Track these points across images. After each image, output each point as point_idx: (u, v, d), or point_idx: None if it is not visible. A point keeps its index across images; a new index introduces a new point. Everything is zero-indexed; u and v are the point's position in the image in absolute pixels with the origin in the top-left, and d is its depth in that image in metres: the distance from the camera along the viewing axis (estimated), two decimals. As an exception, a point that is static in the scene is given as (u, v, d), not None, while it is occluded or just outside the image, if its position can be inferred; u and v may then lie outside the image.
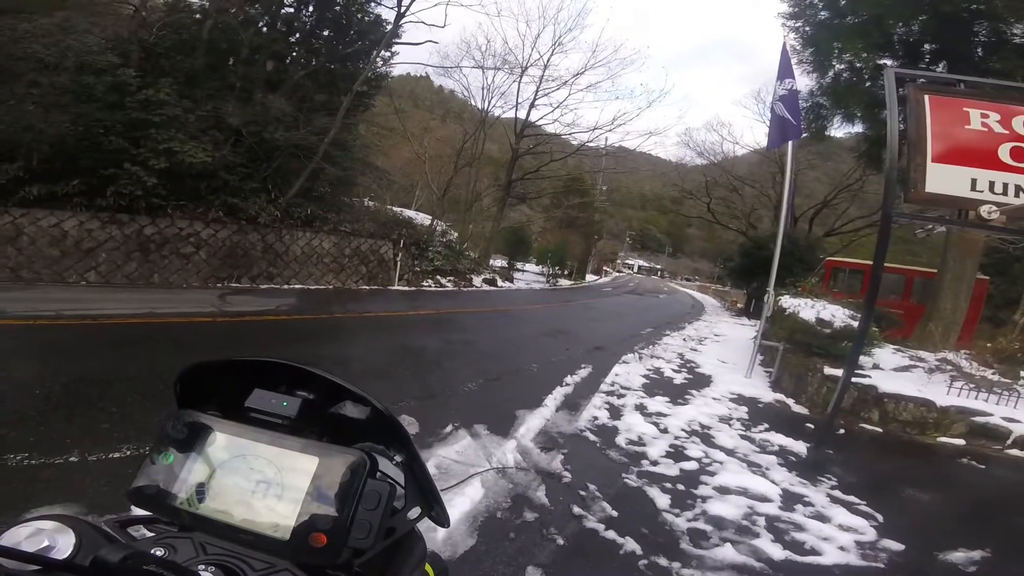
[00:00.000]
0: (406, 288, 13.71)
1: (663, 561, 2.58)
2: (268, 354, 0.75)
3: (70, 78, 8.20)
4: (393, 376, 5.32)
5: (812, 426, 5.37)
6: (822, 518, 3.27)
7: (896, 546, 3.01)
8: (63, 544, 0.50)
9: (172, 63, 10.08)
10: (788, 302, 7.59)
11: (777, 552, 2.79)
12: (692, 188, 28.53)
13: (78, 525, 0.52)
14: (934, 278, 9.24)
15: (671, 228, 68.98)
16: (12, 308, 6.03)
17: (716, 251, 42.29)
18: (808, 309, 6.96)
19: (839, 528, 3.16)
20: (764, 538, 2.93)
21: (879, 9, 8.87)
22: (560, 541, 2.64)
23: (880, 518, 3.34)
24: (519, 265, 25.32)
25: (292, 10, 12.81)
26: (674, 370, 7.37)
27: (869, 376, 5.91)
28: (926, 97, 3.82)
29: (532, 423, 4.39)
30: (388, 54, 14.12)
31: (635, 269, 70.36)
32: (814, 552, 2.87)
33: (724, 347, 10.44)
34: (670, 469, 3.77)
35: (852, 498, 3.60)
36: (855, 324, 6.09)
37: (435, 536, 2.36)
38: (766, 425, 5.16)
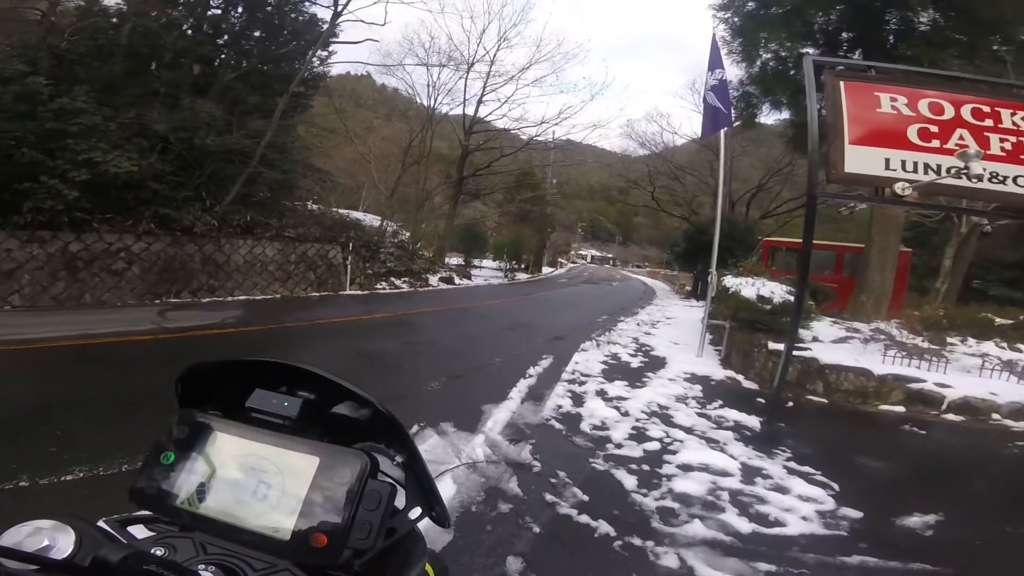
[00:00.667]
0: (359, 292, 13.41)
1: (636, 541, 2.66)
2: None
3: (-29, 88, 7.51)
4: (352, 381, 5.21)
5: (763, 400, 5.59)
6: (782, 489, 3.41)
7: (855, 513, 3.14)
8: (63, 544, 0.49)
9: (88, 70, 9.39)
10: (731, 281, 7.97)
11: (744, 525, 2.90)
12: (637, 178, 29.39)
13: (78, 525, 0.51)
14: (862, 253, 9.95)
15: (620, 218, 70.69)
16: (-80, 342, 5.51)
17: (663, 238, 43.72)
18: (749, 287, 7.33)
19: (799, 499, 3.29)
20: (730, 512, 3.04)
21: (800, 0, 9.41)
22: (536, 529, 2.70)
23: (836, 487, 3.48)
24: (476, 261, 25.25)
25: (219, 11, 12.16)
26: (630, 354, 7.60)
27: (810, 349, 6.30)
28: (841, 83, 4.10)
29: (499, 416, 4.43)
30: (325, 54, 13.72)
31: (588, 259, 71.67)
32: (779, 523, 2.98)
33: (676, 329, 10.85)
34: (634, 451, 3.90)
35: (807, 468, 3.76)
36: (793, 299, 6.48)
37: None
38: (720, 402, 5.41)
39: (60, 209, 8.18)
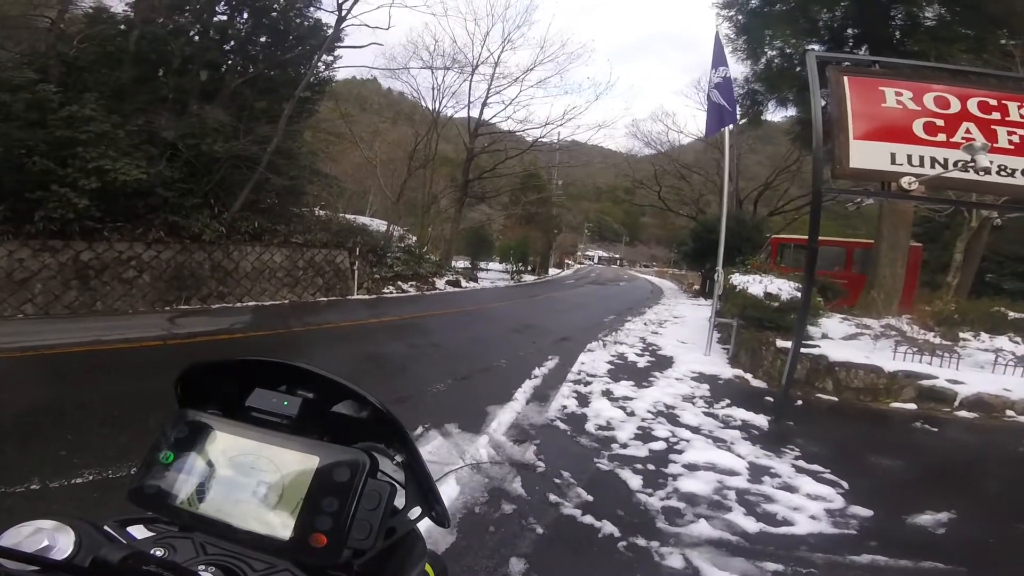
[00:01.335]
0: (366, 296, 13.46)
1: (641, 541, 2.65)
2: None
3: (-17, 96, 7.65)
4: (358, 384, 5.23)
5: (771, 399, 5.53)
6: (790, 488, 3.37)
7: (864, 512, 3.10)
8: (63, 544, 0.49)
9: (97, 77, 9.51)
10: (738, 279, 7.91)
11: (751, 525, 2.88)
12: (643, 178, 29.27)
13: (78, 525, 0.51)
14: (872, 249, 9.84)
15: (626, 218, 70.42)
16: (-62, 349, 5.61)
17: (670, 237, 43.49)
18: (756, 285, 7.28)
19: (807, 497, 3.26)
20: (736, 511, 3.02)
21: (804, -5, 9.35)
22: (540, 530, 2.69)
23: (845, 485, 3.44)
24: (482, 264, 25.24)
25: (225, 17, 12.29)
26: (637, 354, 7.56)
27: (819, 346, 6.23)
28: (845, 79, 4.07)
29: (503, 417, 4.42)
30: (331, 58, 13.79)
31: (595, 260, 71.45)
32: (786, 522, 2.95)
33: (683, 328, 10.79)
34: (640, 450, 3.88)
35: (816, 467, 3.73)
36: (801, 296, 6.42)
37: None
38: (728, 401, 5.36)
39: (71, 218, 8.28)
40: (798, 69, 9.96)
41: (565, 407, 4.83)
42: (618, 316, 12.81)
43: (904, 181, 3.79)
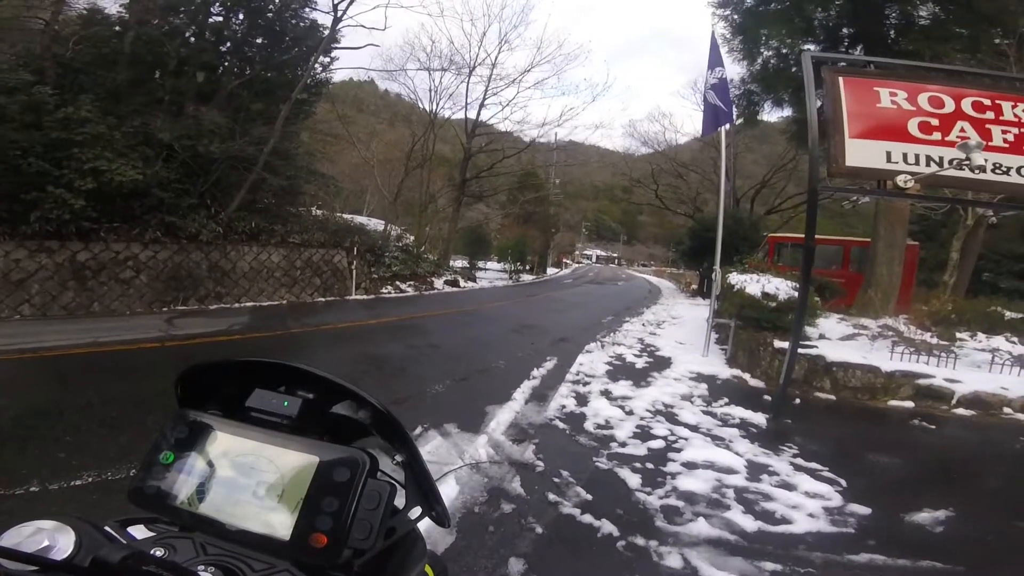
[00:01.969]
0: (364, 297, 13.45)
1: (640, 540, 2.65)
2: None
3: (-23, 99, 7.62)
4: (357, 384, 5.23)
5: (769, 398, 5.54)
6: (788, 486, 3.38)
7: (863, 510, 3.11)
8: (63, 544, 0.49)
9: (92, 79, 9.49)
10: (735, 278, 7.92)
11: (749, 523, 2.88)
12: (640, 177, 29.28)
13: (78, 525, 0.51)
14: (869, 247, 9.87)
15: (624, 217, 70.53)
16: (-67, 351, 5.59)
17: (668, 236, 43.51)
18: (754, 284, 7.29)
19: (806, 495, 3.27)
20: (735, 510, 3.02)
21: (799, -6, 9.38)
22: (539, 530, 2.69)
23: (844, 483, 3.45)
24: (480, 264, 25.20)
25: (221, 19, 12.26)
26: (635, 355, 7.57)
27: (816, 347, 6.25)
28: (840, 79, 4.09)
29: (502, 417, 4.43)
30: (327, 60, 13.79)
31: (593, 259, 71.51)
32: (785, 521, 2.96)
33: (681, 328, 10.81)
34: (638, 449, 3.89)
35: (815, 465, 3.74)
36: (798, 295, 6.43)
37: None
38: (726, 400, 5.38)
39: (67, 219, 8.26)
40: (794, 69, 9.98)
41: (564, 407, 4.83)
42: (616, 316, 12.82)
43: (900, 179, 3.81)
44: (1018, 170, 3.79)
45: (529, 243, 28.94)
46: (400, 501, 0.71)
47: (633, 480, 3.36)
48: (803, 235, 4.75)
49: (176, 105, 10.72)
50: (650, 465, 3.61)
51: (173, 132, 9.86)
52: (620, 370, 6.53)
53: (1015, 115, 3.84)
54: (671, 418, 4.68)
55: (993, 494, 3.79)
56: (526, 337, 8.84)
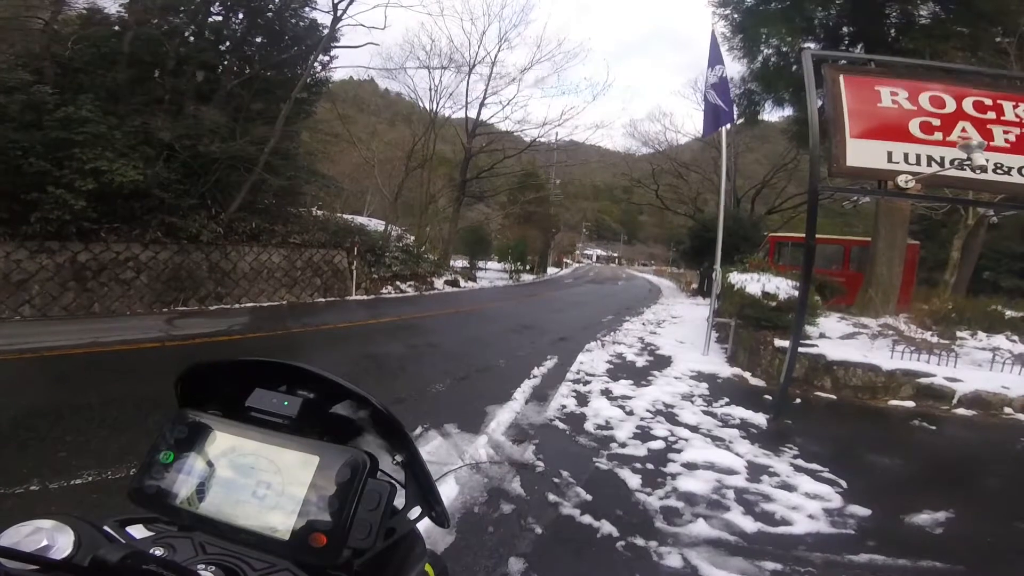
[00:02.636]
0: (365, 297, 13.45)
1: (640, 541, 2.65)
2: None
3: (-23, 99, 7.63)
4: (357, 384, 5.23)
5: (769, 398, 5.53)
6: (788, 487, 3.37)
7: (863, 511, 3.10)
8: (62, 543, 0.49)
9: (92, 78, 9.49)
10: (736, 278, 7.92)
11: (749, 524, 2.88)
12: (640, 177, 29.32)
13: (77, 524, 0.51)
14: (869, 247, 9.86)
15: (624, 216, 70.55)
16: (-67, 352, 5.60)
17: (668, 235, 43.59)
18: (754, 283, 7.28)
19: (806, 496, 3.26)
20: (735, 511, 3.02)
21: (799, -7, 9.37)
22: (538, 530, 2.69)
23: (844, 484, 3.44)
24: (481, 264, 25.21)
25: (220, 18, 12.26)
26: (636, 354, 7.57)
27: (817, 345, 6.25)
28: (841, 77, 4.08)
29: (502, 417, 4.43)
30: (327, 59, 13.79)
31: (594, 259, 71.50)
32: (785, 522, 2.95)
33: (681, 327, 10.81)
34: (638, 450, 3.89)
35: (815, 466, 3.73)
36: (798, 295, 6.42)
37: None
38: (726, 399, 5.37)
39: (68, 219, 8.26)
40: (794, 68, 9.97)
41: (564, 406, 4.83)
42: (616, 316, 12.82)
43: (901, 179, 3.80)
44: (1019, 170, 3.78)
45: (529, 243, 28.95)
46: (400, 501, 0.71)
47: (633, 481, 3.35)
48: (803, 235, 4.75)
49: (176, 105, 10.72)
50: (650, 466, 3.61)
51: (173, 131, 9.87)
52: (620, 369, 6.53)
53: (1016, 115, 3.83)
54: (671, 418, 4.67)
55: (993, 495, 3.78)
56: (526, 336, 8.84)
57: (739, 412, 4.95)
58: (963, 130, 3.86)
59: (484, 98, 22.44)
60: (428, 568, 0.76)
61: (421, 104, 23.66)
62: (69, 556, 0.48)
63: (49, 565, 0.46)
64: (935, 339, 6.40)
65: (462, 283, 19.32)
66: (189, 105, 10.75)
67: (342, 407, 0.74)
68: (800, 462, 3.83)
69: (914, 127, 3.92)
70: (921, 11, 9.33)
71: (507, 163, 24.58)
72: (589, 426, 4.35)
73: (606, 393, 5.33)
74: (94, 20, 10.44)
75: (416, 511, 0.74)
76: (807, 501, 3.21)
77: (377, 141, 23.91)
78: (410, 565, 0.72)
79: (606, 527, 2.75)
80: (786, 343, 5.98)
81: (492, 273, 25.61)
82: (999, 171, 3.82)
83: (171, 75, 10.84)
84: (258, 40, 12.82)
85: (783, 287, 7.07)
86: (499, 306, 14.05)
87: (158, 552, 0.59)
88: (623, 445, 3.97)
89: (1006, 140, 3.83)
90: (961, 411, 5.39)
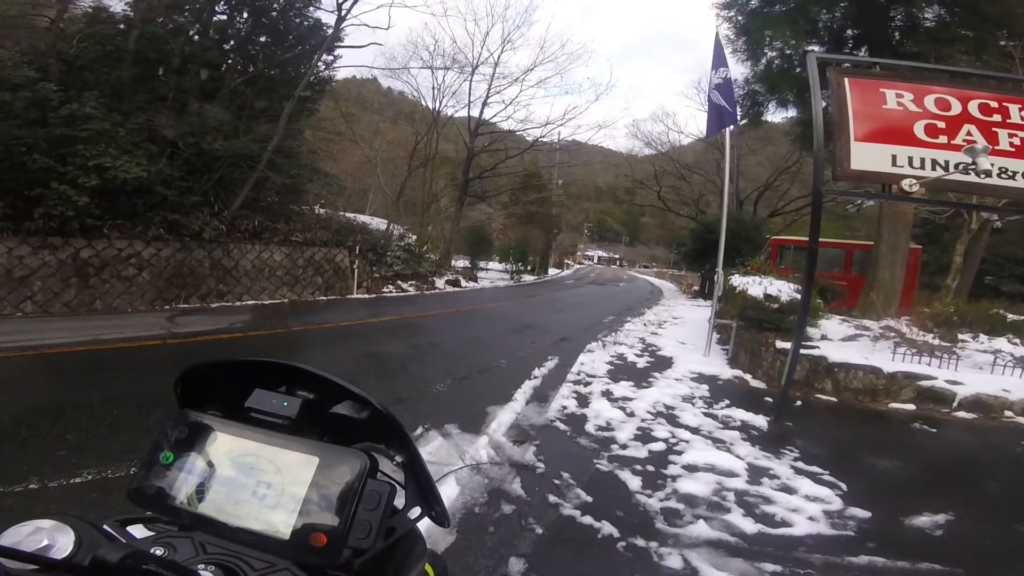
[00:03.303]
0: (366, 296, 13.46)
1: (640, 542, 2.65)
2: None
3: (-17, 95, 7.65)
4: (357, 384, 5.24)
5: (770, 399, 5.51)
6: (788, 490, 3.37)
7: (863, 513, 3.10)
8: (63, 543, 0.49)
9: (97, 76, 9.51)
10: (738, 280, 7.92)
11: (749, 526, 2.88)
12: (643, 178, 29.32)
13: (78, 524, 0.51)
14: (872, 250, 9.84)
15: (626, 218, 70.54)
16: (-64, 347, 5.61)
17: (670, 237, 43.58)
18: (756, 286, 7.28)
19: (806, 499, 3.25)
20: (735, 513, 3.02)
21: (804, -4, 9.36)
22: (539, 531, 2.69)
23: (844, 487, 3.44)
24: (482, 264, 25.22)
25: (225, 17, 12.29)
26: (637, 355, 7.56)
27: (818, 347, 6.23)
28: (846, 80, 4.07)
29: (503, 418, 4.42)
30: (331, 58, 13.79)
31: (595, 260, 71.47)
32: (785, 524, 2.95)
33: (682, 329, 10.80)
34: (639, 451, 3.88)
35: (815, 468, 3.72)
36: (800, 298, 6.42)
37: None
38: (727, 401, 5.36)
39: (70, 215, 8.28)
40: (798, 70, 9.97)
41: (565, 407, 4.83)
42: (617, 317, 12.81)
43: (905, 183, 3.79)
44: (1023, 174, 3.78)
45: (531, 244, 28.95)
46: (400, 501, 0.71)
47: (634, 482, 3.35)
48: (806, 238, 4.75)
49: (180, 102, 10.74)
50: (651, 467, 3.60)
51: (177, 129, 9.88)
52: (621, 370, 6.52)
53: (1022, 118, 3.82)
54: (672, 420, 4.67)
55: (993, 498, 3.77)
56: (527, 337, 8.84)
57: (740, 414, 4.94)
58: (968, 133, 3.85)
59: (487, 98, 22.51)
60: (428, 568, 0.76)
61: (424, 103, 23.74)
62: (69, 556, 0.48)
63: (49, 565, 0.46)
64: (936, 342, 6.38)
65: (463, 283, 19.33)
66: (193, 103, 10.77)
67: (342, 407, 0.74)
68: (800, 464, 3.82)
69: (919, 130, 3.91)
70: (926, 14, 9.31)
71: (509, 163, 24.60)
72: (590, 427, 4.34)
73: (607, 394, 5.32)
74: (100, 18, 10.48)
75: (416, 511, 0.74)
76: (807, 503, 3.21)
77: (380, 140, 23.93)
78: (410, 565, 0.72)
79: (607, 528, 2.75)
80: (787, 345, 5.97)
81: (493, 273, 25.62)
82: (1004, 175, 3.81)
83: (175, 73, 10.86)
84: (262, 39, 12.83)
85: (785, 290, 7.07)
86: (500, 306, 14.04)
87: (158, 552, 0.59)
88: (624, 446, 3.97)
89: (1011, 144, 3.81)
90: (961, 414, 5.37)
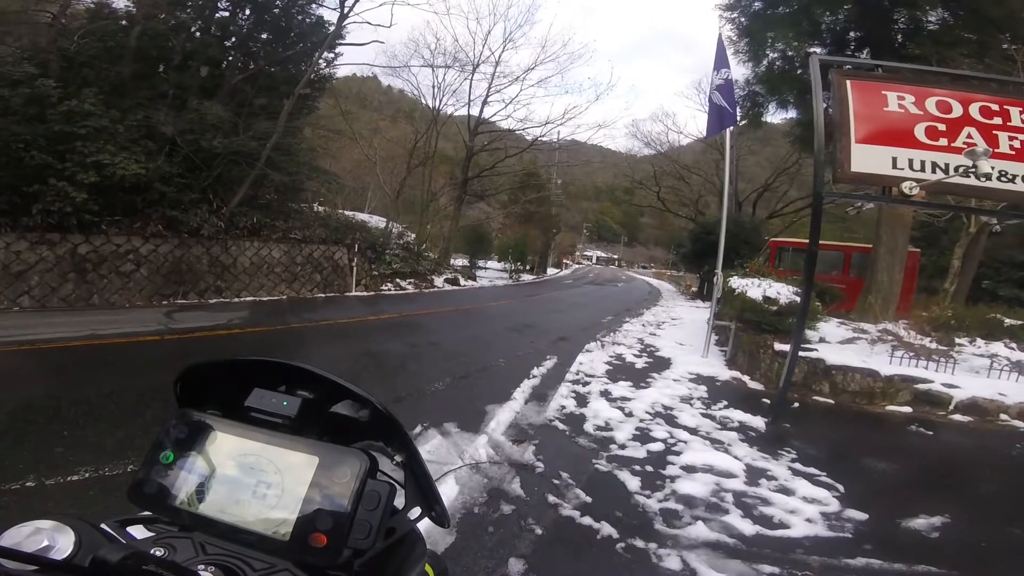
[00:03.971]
0: (364, 293, 13.44)
1: (639, 543, 2.65)
2: None
3: (-18, 91, 7.62)
4: (357, 383, 5.23)
5: (768, 401, 5.54)
6: (786, 491, 3.38)
7: (860, 515, 3.11)
8: (63, 544, 0.49)
9: (97, 72, 9.48)
10: (737, 282, 7.93)
11: (747, 527, 2.88)
12: (642, 178, 29.35)
13: (77, 525, 0.51)
14: (870, 253, 9.86)
15: (625, 218, 70.58)
16: (-67, 342, 5.59)
17: (669, 238, 43.58)
18: (755, 288, 7.29)
19: (803, 500, 3.27)
20: (734, 514, 3.02)
21: (808, -2, 9.35)
22: (538, 531, 2.69)
23: (841, 488, 3.45)
24: (481, 263, 25.23)
25: (227, 14, 12.25)
26: (635, 355, 7.57)
27: (816, 350, 6.25)
28: (848, 82, 4.07)
29: (502, 417, 4.42)
30: (332, 55, 13.76)
31: (594, 260, 71.51)
32: (783, 525, 2.96)
33: (681, 330, 10.81)
34: (638, 451, 3.89)
35: (812, 470, 3.74)
36: (799, 300, 6.43)
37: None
38: (725, 402, 5.37)
39: (69, 211, 8.26)
40: (799, 72, 9.97)
41: (563, 407, 4.83)
42: (616, 317, 12.82)
43: (905, 186, 3.79)
44: (1023, 178, 3.79)
45: (530, 243, 28.94)
46: (400, 501, 0.71)
47: (633, 483, 3.35)
48: (805, 240, 4.75)
49: (180, 99, 10.70)
50: (649, 468, 3.61)
51: (176, 126, 9.85)
52: (620, 370, 6.53)
53: (1023, 121, 3.83)
54: (670, 420, 4.68)
55: (989, 500, 3.78)
56: (526, 336, 8.84)
57: (738, 415, 4.95)
58: (968, 135, 3.85)
59: (487, 96, 22.48)
60: (428, 568, 0.76)
61: (424, 101, 23.71)
62: (69, 556, 0.48)
63: (49, 566, 0.46)
64: (933, 345, 6.40)
65: (462, 282, 19.32)
66: (193, 100, 10.74)
67: (342, 407, 0.73)
68: (798, 466, 3.84)
69: (919, 132, 3.91)
70: (929, 17, 9.31)
71: (509, 162, 24.59)
72: (588, 427, 4.35)
73: (605, 394, 5.33)
74: (102, 14, 10.44)
75: (416, 511, 0.74)
76: (805, 505, 3.22)
77: (379, 138, 23.90)
78: (410, 565, 0.72)
79: (606, 528, 2.75)
80: (786, 347, 5.98)
81: (492, 272, 25.61)
82: (1003, 179, 3.82)
83: (176, 70, 10.84)
84: (264, 36, 12.81)
85: (784, 292, 7.09)
86: (499, 305, 14.04)
87: (158, 552, 0.59)
88: (622, 447, 3.97)
89: (1011, 147, 3.82)
90: (958, 417, 5.40)
